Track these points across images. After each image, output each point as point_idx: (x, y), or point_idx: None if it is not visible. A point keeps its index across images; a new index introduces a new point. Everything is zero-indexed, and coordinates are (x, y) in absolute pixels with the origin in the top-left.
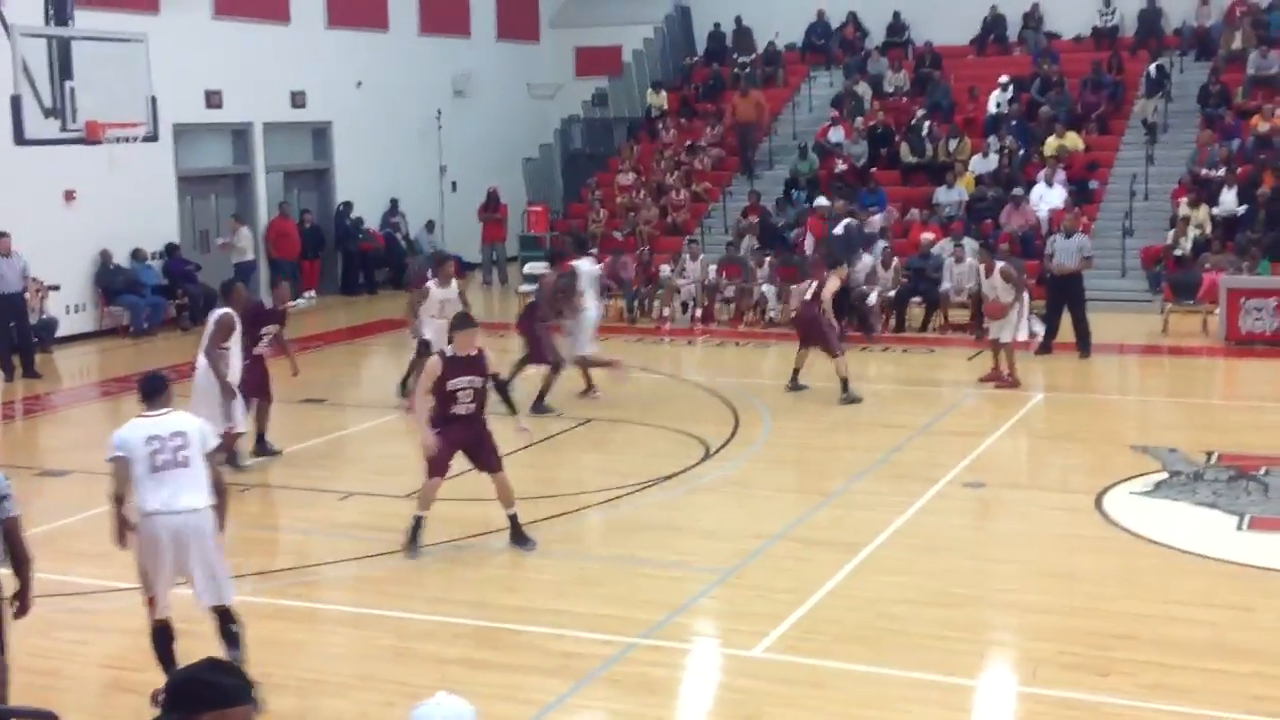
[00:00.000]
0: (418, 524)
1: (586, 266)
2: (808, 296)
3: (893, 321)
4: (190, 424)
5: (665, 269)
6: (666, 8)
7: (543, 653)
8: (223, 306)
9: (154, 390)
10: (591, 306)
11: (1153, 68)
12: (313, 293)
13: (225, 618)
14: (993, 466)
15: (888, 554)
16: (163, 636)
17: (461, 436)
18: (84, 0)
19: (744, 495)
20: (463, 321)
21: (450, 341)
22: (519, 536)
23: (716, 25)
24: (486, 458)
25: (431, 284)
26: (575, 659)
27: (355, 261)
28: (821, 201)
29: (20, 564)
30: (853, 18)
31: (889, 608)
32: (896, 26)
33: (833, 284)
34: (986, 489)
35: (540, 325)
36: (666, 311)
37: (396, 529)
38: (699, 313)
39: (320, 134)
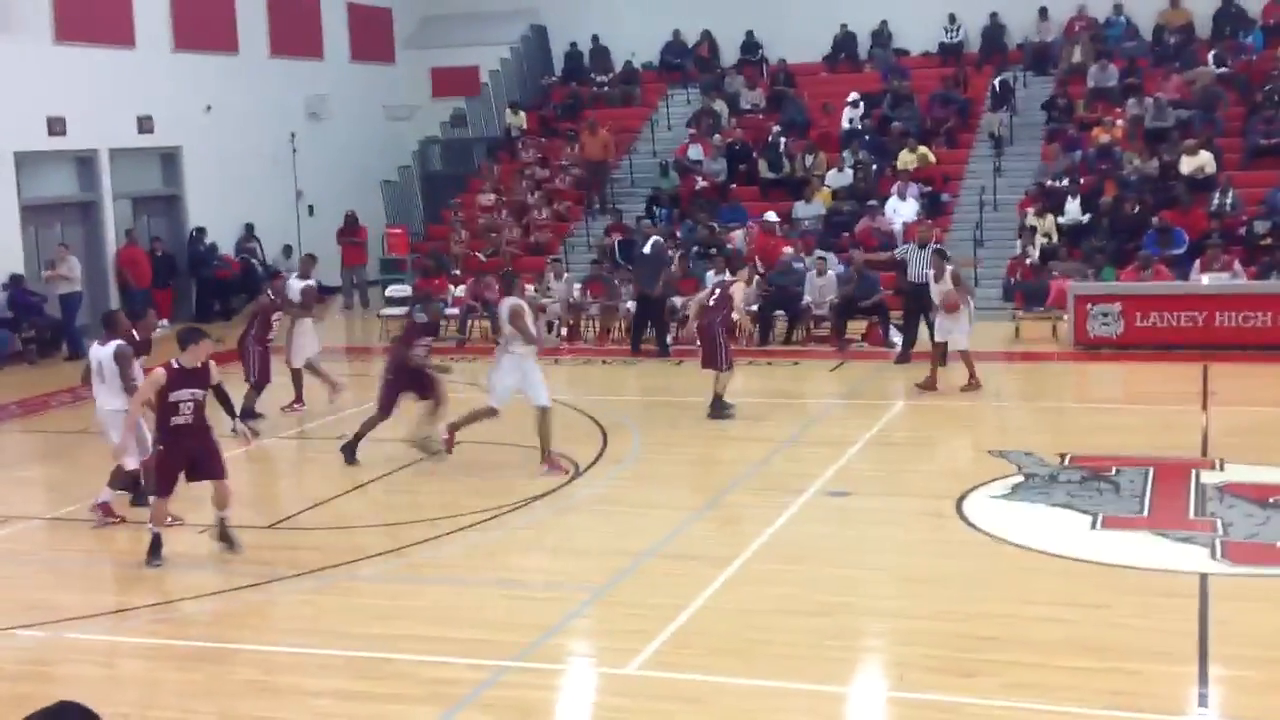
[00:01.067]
0: (156, 541)
1: (294, 283)
2: (710, 303)
3: (756, 335)
4: None
5: (530, 289)
6: (522, 28)
7: (413, 680)
8: (112, 339)
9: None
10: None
11: (996, 82)
12: (166, 321)
13: None
14: (857, 475)
15: (758, 565)
16: None
17: (184, 448)
18: None
19: (615, 513)
20: (192, 335)
21: (183, 351)
22: (225, 538)
23: (573, 45)
24: (211, 465)
25: (292, 278)
26: (447, 685)
27: (210, 288)
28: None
29: None
30: (707, 36)
31: (760, 619)
32: (750, 45)
33: (739, 289)
34: (851, 497)
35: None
36: None
37: (261, 561)
38: (564, 331)
39: (170, 159)
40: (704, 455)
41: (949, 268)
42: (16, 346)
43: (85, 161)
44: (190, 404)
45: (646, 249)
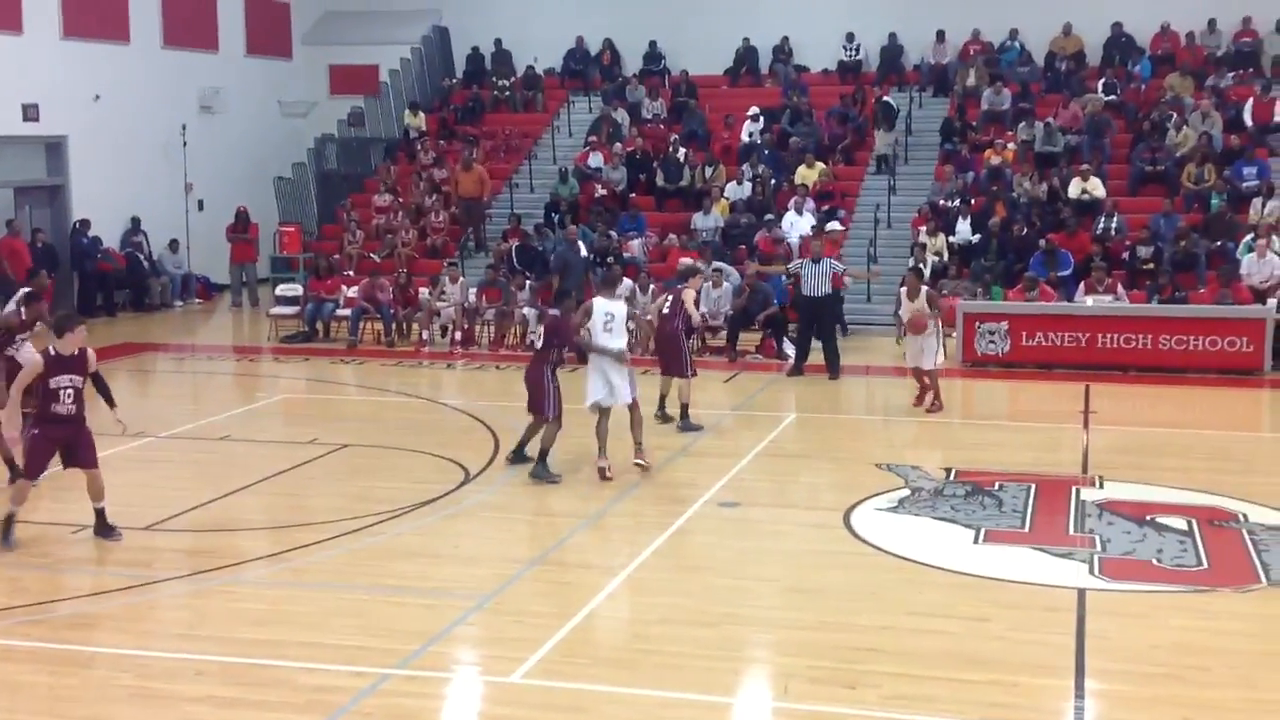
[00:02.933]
0: (9, 520)
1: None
2: (665, 310)
3: (651, 345)
4: None
5: (424, 292)
6: (424, 29)
7: (292, 688)
8: None
9: None
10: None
11: (882, 102)
12: None
13: None
14: (747, 486)
15: (646, 575)
16: None
17: (61, 435)
18: None
19: (504, 520)
20: (69, 320)
21: (59, 338)
22: (104, 529)
23: (475, 48)
24: (85, 454)
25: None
26: (327, 693)
27: (93, 282)
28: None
29: None
30: (609, 45)
31: (647, 629)
32: (653, 55)
33: (690, 295)
34: (740, 508)
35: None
36: (425, 335)
37: (137, 563)
38: (458, 336)
39: (55, 148)
40: (587, 461)
41: (924, 288)
42: None
43: None
44: (70, 391)
45: (584, 253)
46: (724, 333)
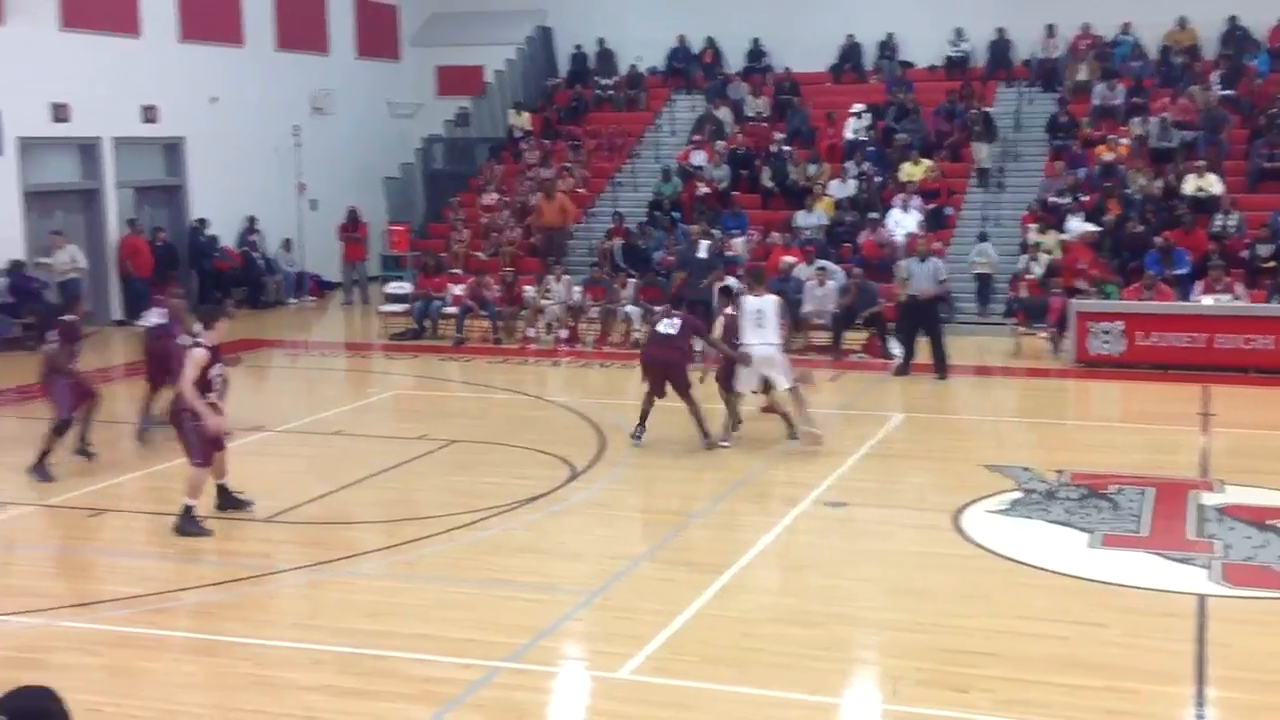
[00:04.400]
0: (189, 511)
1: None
2: (672, 331)
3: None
4: None
5: (529, 290)
6: (528, 29)
7: (405, 679)
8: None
9: None
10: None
11: (982, 113)
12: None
13: None
14: (853, 486)
15: (752, 574)
16: None
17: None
18: None
19: (609, 516)
20: (217, 312)
21: (208, 330)
22: (232, 501)
23: (578, 47)
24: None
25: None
26: (439, 684)
27: (210, 280)
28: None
29: None
30: (712, 43)
31: (754, 628)
32: (756, 53)
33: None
34: (847, 508)
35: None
36: (531, 332)
37: (256, 554)
38: (563, 334)
39: (173, 149)
40: (701, 462)
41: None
42: (16, 332)
43: (88, 149)
44: (220, 379)
45: (702, 253)
46: (829, 332)
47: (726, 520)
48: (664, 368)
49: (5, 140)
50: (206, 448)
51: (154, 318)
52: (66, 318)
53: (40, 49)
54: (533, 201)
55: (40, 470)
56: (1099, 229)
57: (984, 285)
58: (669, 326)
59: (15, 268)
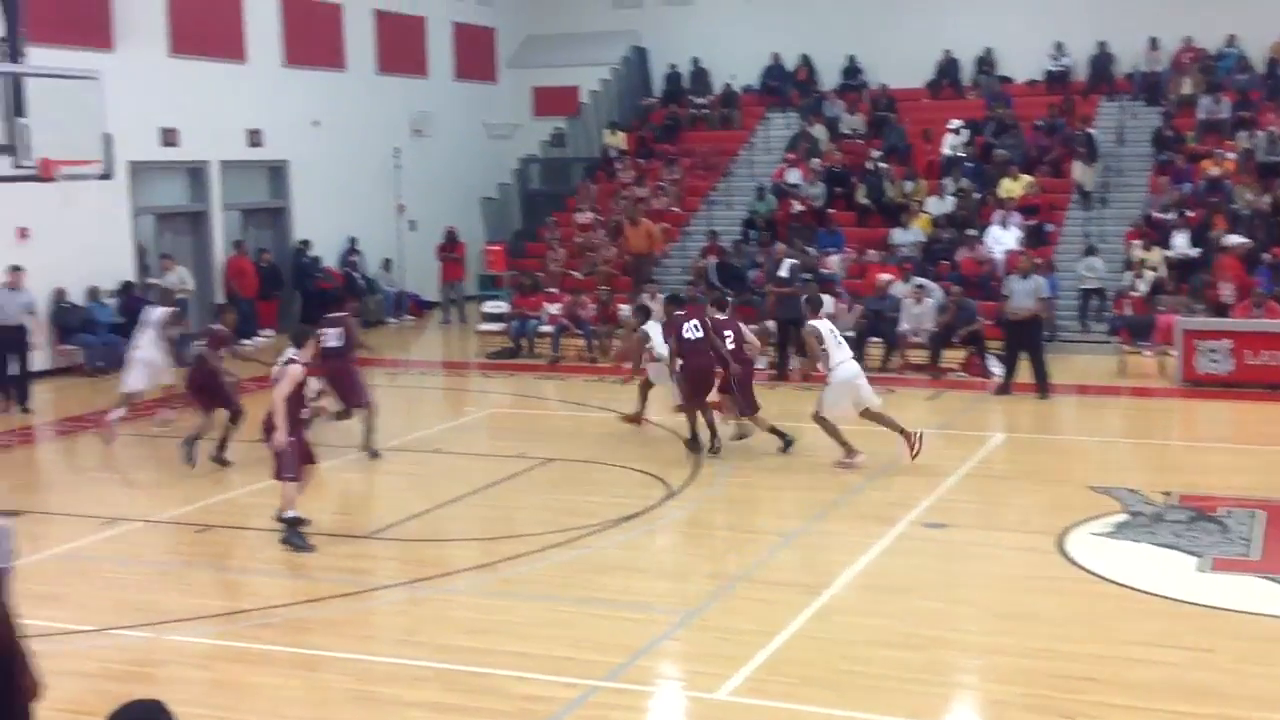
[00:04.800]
0: (297, 521)
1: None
2: (700, 335)
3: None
4: None
5: (624, 309)
6: (623, 49)
7: (504, 696)
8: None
9: None
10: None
11: (1084, 134)
12: (271, 331)
13: None
14: (954, 507)
15: (850, 595)
16: None
17: (304, 437)
18: (37, 37)
19: (705, 536)
20: (309, 332)
21: (300, 349)
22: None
23: (673, 67)
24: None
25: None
26: (538, 702)
27: (313, 300)
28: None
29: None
30: (806, 61)
31: (853, 650)
32: (851, 69)
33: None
34: (948, 530)
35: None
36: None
37: (358, 570)
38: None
39: (277, 172)
40: (796, 481)
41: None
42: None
43: (196, 172)
44: (309, 394)
45: (784, 272)
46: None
47: (824, 540)
48: (708, 373)
49: (116, 165)
50: (296, 462)
51: (331, 340)
52: (215, 327)
53: (150, 75)
54: (639, 213)
55: (220, 459)
56: (1249, 241)
57: (1091, 301)
58: (693, 330)
59: (126, 289)
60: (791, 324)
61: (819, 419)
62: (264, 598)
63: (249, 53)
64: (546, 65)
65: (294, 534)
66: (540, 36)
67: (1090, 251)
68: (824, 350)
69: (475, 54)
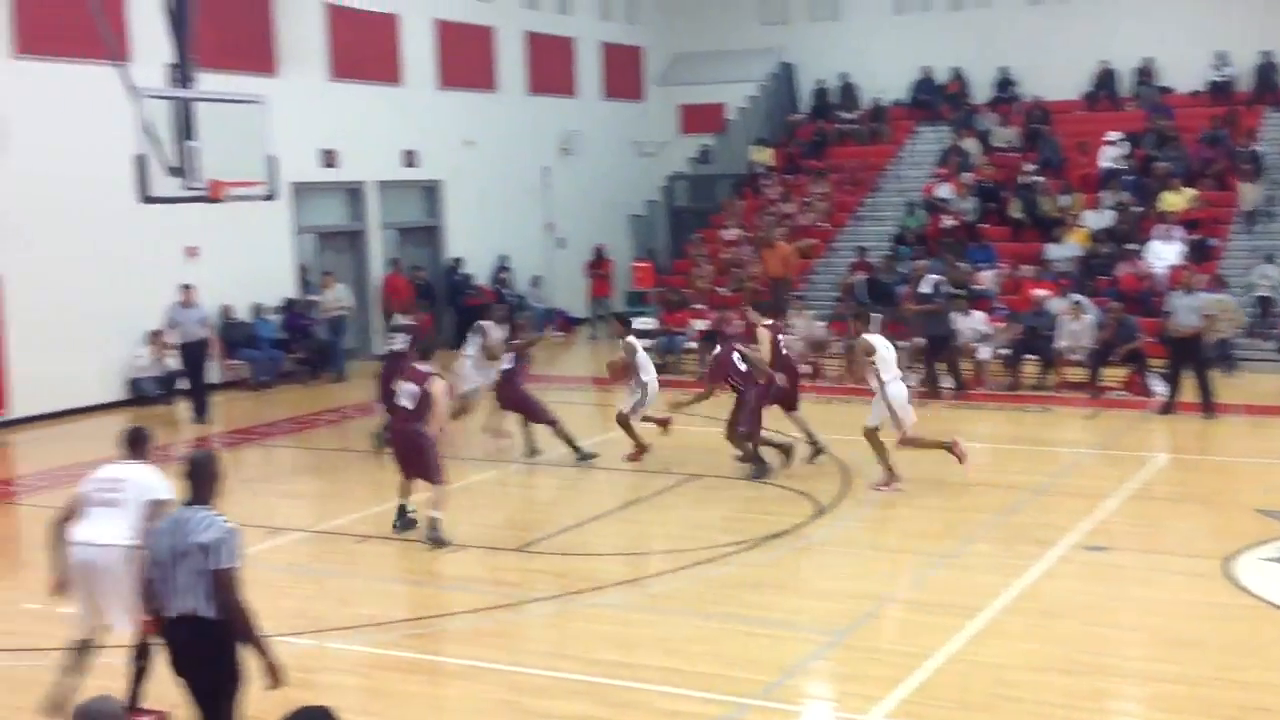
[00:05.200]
0: (434, 523)
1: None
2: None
3: (1007, 379)
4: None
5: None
6: (770, 65)
7: (653, 711)
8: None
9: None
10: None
11: (1250, 151)
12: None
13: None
14: (1114, 529)
15: (1006, 619)
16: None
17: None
18: (206, 63)
19: (855, 555)
20: (437, 344)
21: (427, 361)
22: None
23: (820, 82)
24: None
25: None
26: (684, 718)
27: (465, 316)
28: None
29: (233, 623)
30: (958, 73)
31: (1009, 674)
32: (1004, 82)
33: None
34: (1109, 553)
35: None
36: None
37: (511, 582)
38: (805, 369)
39: (431, 192)
40: (949, 502)
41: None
42: (288, 367)
43: (354, 193)
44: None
45: (926, 288)
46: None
47: (978, 562)
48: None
49: (280, 186)
50: (443, 465)
51: (397, 344)
52: (518, 341)
53: (310, 99)
54: (775, 236)
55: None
56: None
57: (1265, 311)
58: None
59: (288, 306)
60: (938, 340)
61: (870, 435)
62: (419, 607)
63: (405, 75)
64: (693, 83)
65: (437, 532)
66: (687, 54)
67: (1269, 259)
68: (873, 365)
69: (623, 73)
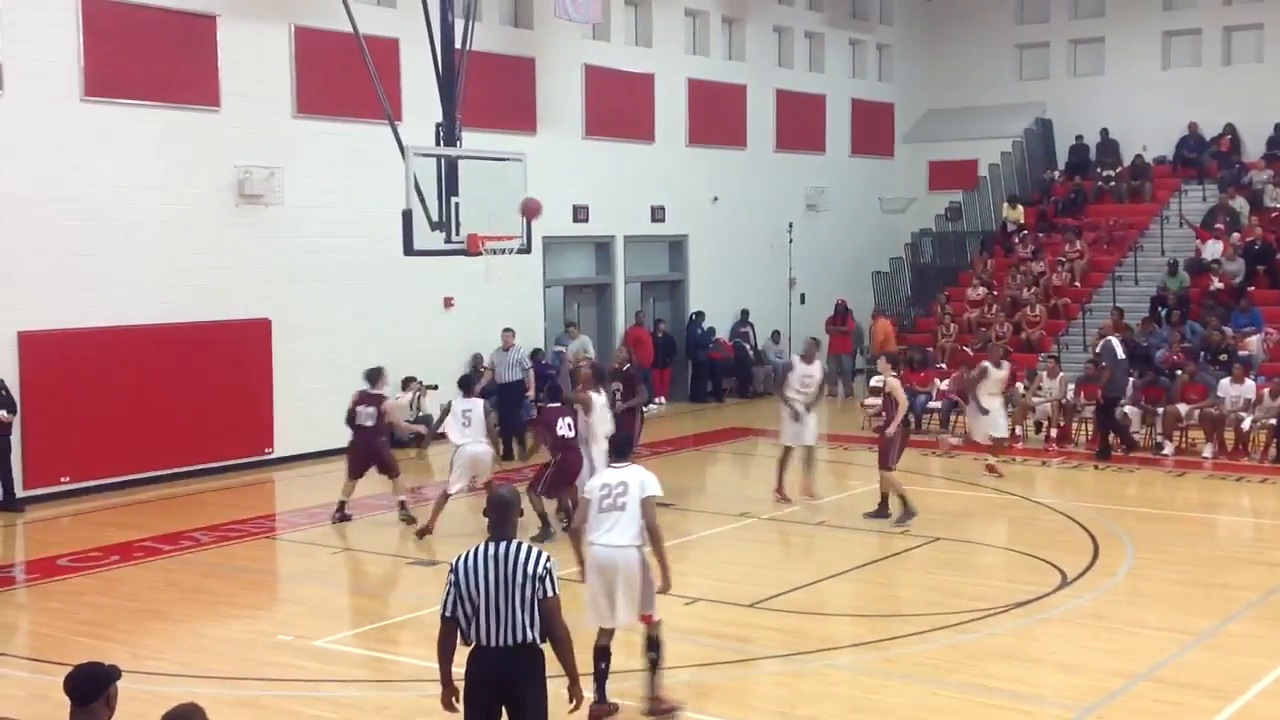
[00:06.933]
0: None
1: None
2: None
3: (1273, 451)
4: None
5: (1020, 386)
6: (1027, 122)
7: None
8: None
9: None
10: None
11: None
12: (663, 399)
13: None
14: None
15: (1268, 704)
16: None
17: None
18: (470, 122)
19: (1103, 629)
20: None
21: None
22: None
23: (1079, 138)
24: None
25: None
26: None
27: (704, 369)
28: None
29: (559, 647)
30: (1230, 129)
31: None
32: (1276, 139)
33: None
34: None
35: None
36: (1018, 430)
37: (739, 637)
38: (1054, 432)
39: (676, 246)
40: (1206, 577)
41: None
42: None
43: (603, 247)
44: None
45: (1119, 353)
46: None
47: (1238, 643)
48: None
49: (532, 239)
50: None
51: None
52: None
53: (565, 156)
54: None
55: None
56: None
57: None
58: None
59: (534, 355)
60: (1111, 402)
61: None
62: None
63: (656, 133)
64: (945, 139)
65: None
66: (940, 111)
67: None
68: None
69: (873, 129)
